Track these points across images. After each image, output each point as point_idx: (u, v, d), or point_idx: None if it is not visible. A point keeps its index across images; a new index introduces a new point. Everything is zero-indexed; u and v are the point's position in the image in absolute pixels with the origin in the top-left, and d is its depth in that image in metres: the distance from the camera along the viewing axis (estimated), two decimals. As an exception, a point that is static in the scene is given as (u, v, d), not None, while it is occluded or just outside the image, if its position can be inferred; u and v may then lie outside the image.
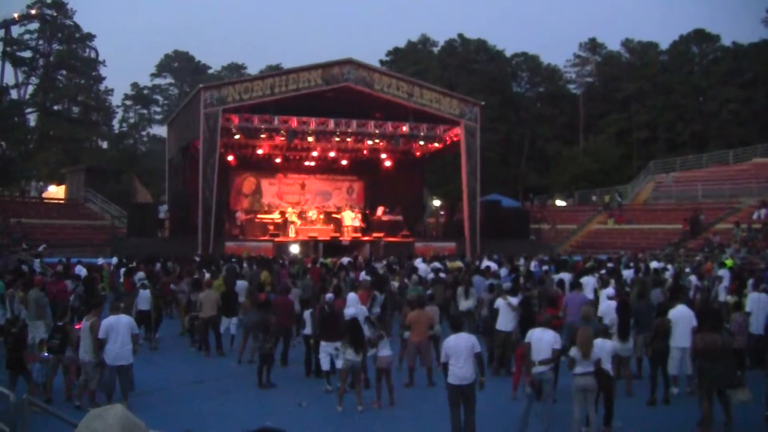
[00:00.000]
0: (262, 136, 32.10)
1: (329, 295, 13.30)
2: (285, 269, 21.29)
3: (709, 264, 23.11)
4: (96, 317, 11.22)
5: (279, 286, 17.19)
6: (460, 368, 8.95)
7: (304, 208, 37.03)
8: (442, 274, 20.04)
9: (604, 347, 9.56)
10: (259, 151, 35.80)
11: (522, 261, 23.99)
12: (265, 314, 13.69)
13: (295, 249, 30.39)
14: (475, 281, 17.42)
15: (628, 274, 20.27)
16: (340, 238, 33.37)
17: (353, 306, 13.54)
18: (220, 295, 16.11)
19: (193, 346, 16.46)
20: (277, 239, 31.54)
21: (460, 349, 9.03)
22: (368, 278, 17.87)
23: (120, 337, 10.81)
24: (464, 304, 16.29)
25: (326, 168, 39.00)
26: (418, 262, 22.86)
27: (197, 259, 24.64)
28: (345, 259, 23.55)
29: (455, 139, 34.32)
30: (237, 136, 31.99)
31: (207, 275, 19.00)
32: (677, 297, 13.17)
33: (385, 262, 23.80)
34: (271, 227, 33.85)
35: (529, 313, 12.81)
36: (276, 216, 35.35)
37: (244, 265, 22.28)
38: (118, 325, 10.89)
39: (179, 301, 18.89)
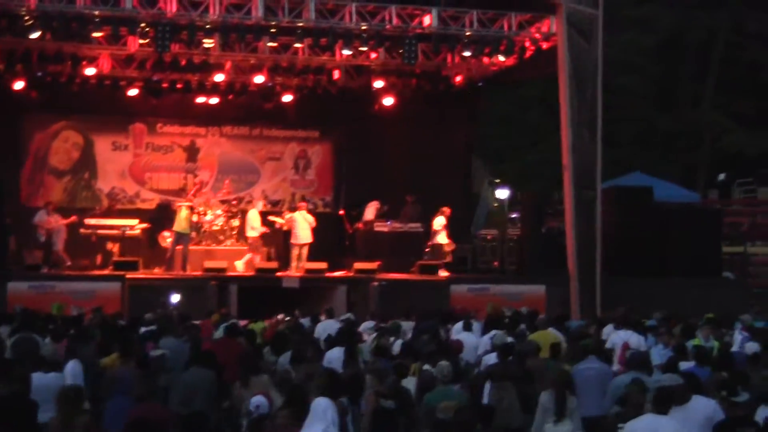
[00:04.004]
0: (96, 35, 20.41)
1: (257, 399, 8.75)
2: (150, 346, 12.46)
3: None
4: None
5: (142, 388, 9.75)
6: None
7: (195, 203, 23.79)
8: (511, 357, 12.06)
9: None
10: (89, 72, 22.35)
11: (701, 330, 14.41)
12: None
13: (174, 298, 20.10)
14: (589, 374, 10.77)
15: None
16: (281, 274, 21.47)
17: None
18: None
19: None
20: (130, 275, 20.35)
21: None
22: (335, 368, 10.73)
23: None
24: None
25: (248, 112, 25.22)
26: (458, 331, 14.63)
27: None
28: (304, 320, 15.63)
29: (545, 44, 21.92)
30: (35, 35, 20.10)
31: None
32: None
33: (373, 324, 15.07)
34: (114, 247, 22.01)
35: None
36: (129, 221, 23.11)
37: (47, 341, 12.96)
38: None
39: None
